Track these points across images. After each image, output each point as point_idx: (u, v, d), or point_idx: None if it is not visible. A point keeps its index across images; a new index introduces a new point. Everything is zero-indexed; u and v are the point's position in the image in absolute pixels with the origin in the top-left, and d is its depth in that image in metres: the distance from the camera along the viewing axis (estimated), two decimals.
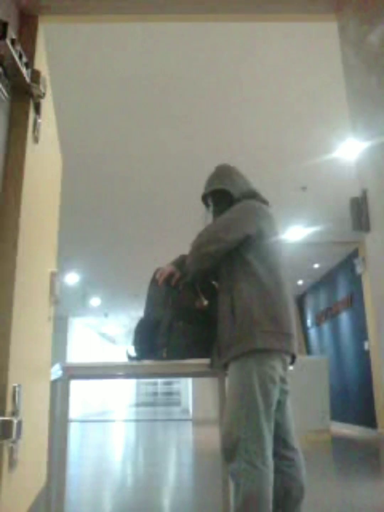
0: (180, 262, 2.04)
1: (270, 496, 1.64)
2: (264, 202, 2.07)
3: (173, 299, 2.01)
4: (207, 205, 2.15)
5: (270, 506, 1.63)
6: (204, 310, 2.00)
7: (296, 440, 1.87)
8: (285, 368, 1.81)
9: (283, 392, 1.86)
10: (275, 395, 1.74)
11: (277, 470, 1.78)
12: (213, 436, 7.34)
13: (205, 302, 2.02)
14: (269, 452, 1.69)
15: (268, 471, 1.66)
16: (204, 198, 2.15)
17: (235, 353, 1.76)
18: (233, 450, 1.70)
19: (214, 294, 2.02)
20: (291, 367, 1.90)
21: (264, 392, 1.71)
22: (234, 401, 1.74)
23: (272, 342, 1.74)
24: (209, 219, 2.12)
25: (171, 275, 2.01)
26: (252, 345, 1.72)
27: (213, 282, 2.08)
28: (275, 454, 1.79)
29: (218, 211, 2.08)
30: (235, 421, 1.72)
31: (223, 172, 2.11)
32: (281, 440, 1.82)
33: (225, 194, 2.05)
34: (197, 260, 1.87)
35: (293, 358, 1.89)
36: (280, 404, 1.85)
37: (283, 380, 1.84)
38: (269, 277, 1.82)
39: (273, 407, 1.74)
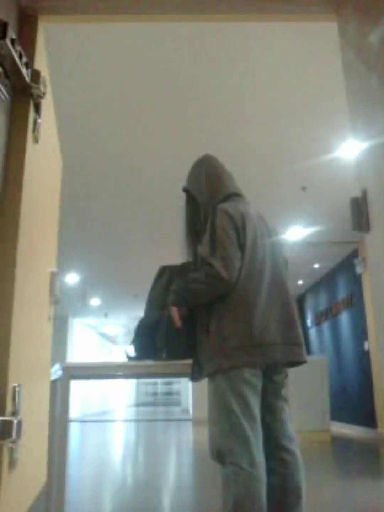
0: (184, 271, 2.03)
1: (262, 496, 1.62)
2: (233, 195, 1.98)
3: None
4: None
5: (263, 507, 1.62)
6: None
7: (295, 442, 1.85)
8: (259, 374, 1.76)
9: (271, 393, 1.84)
10: (249, 393, 1.72)
11: (273, 472, 1.77)
12: None
13: None
14: (256, 452, 1.67)
15: (256, 471, 1.64)
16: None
17: (207, 372, 1.77)
18: (220, 456, 1.70)
19: None
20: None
21: (237, 394, 1.70)
22: (212, 409, 1.76)
23: (239, 358, 1.71)
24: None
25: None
26: (219, 365, 1.72)
27: None
28: (271, 456, 1.78)
29: (186, 210, 2.08)
30: (216, 427, 1.72)
31: (191, 170, 2.11)
32: (276, 442, 1.81)
33: (190, 194, 2.06)
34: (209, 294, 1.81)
35: (293, 364, 1.87)
36: (270, 406, 1.83)
37: (269, 379, 1.83)
38: (243, 288, 1.77)
39: (253, 407, 1.72)
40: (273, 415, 1.84)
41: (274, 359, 1.75)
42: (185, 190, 2.07)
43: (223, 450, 1.68)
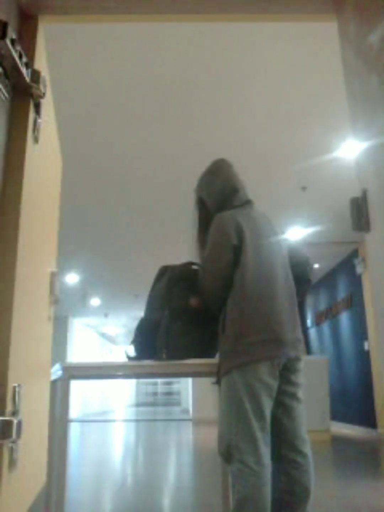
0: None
1: (267, 496, 1.63)
2: (241, 204, 2.01)
3: (170, 299, 2.02)
4: None
5: (267, 506, 1.62)
6: (201, 309, 1.99)
7: (308, 444, 1.85)
8: (275, 373, 1.76)
9: (288, 394, 1.84)
10: (263, 394, 1.72)
11: (284, 472, 1.77)
12: (213, 436, 7.33)
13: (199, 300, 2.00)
14: (263, 452, 1.68)
15: (262, 471, 1.65)
16: None
17: (225, 369, 1.78)
18: (227, 453, 1.71)
19: None
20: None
21: (251, 392, 1.71)
22: (223, 406, 1.76)
23: (258, 353, 1.72)
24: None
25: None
26: (238, 360, 1.73)
27: None
28: (282, 456, 1.79)
29: (198, 218, 2.12)
30: (226, 424, 1.73)
31: (203, 176, 2.12)
32: (288, 443, 1.81)
33: (203, 200, 2.09)
34: (211, 300, 1.92)
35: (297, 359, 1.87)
36: (286, 407, 1.83)
37: (287, 381, 1.83)
38: (254, 287, 1.79)
39: (265, 408, 1.72)
40: (289, 416, 1.84)
41: (288, 354, 1.78)
42: (197, 195, 2.12)
43: (231, 447, 1.69)
